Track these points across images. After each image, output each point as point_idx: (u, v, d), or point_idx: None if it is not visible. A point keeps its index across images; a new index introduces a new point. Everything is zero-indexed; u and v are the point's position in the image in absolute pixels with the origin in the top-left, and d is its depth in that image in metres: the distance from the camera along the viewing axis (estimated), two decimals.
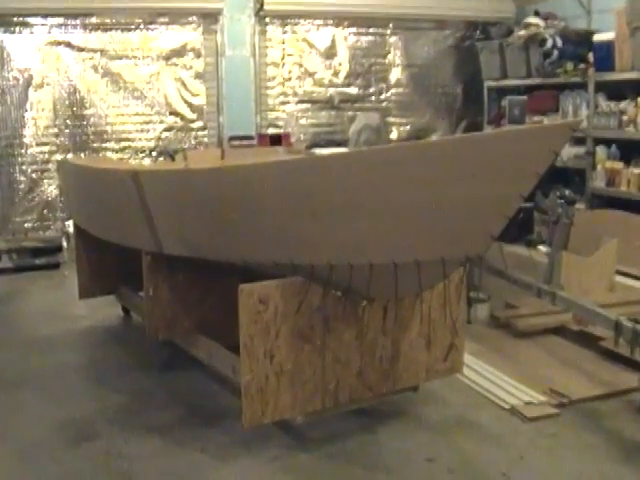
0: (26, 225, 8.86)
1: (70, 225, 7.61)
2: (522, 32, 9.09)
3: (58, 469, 3.93)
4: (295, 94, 9.92)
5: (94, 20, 8.82)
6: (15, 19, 8.49)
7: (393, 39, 10.30)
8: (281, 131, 9.70)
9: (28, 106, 8.69)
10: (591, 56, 8.25)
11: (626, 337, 4.30)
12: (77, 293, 6.27)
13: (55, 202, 8.90)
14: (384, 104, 10.37)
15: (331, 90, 10.04)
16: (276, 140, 9.14)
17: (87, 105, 8.94)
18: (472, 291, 5.63)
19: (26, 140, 8.75)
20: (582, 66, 8.33)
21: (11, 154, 8.72)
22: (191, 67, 9.35)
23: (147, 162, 9.08)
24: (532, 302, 5.65)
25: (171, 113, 9.33)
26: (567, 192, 5.85)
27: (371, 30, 10.17)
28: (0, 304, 7.11)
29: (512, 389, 4.67)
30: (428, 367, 4.29)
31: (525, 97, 9.47)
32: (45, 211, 8.93)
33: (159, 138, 9.31)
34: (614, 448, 4.00)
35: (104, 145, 9.09)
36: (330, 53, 9.98)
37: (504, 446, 4.07)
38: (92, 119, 8.99)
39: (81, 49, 8.82)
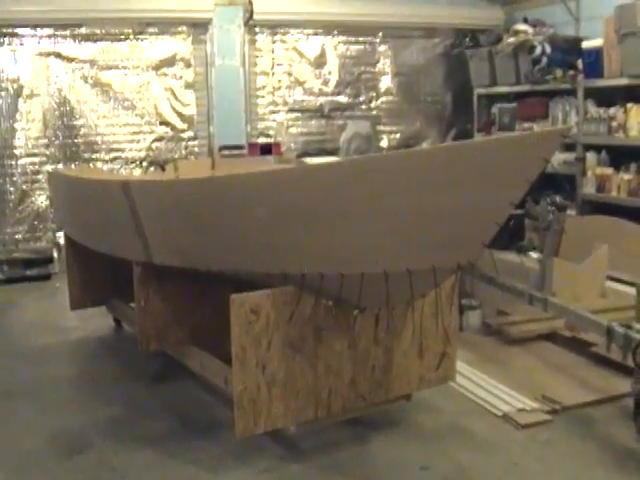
0: (17, 236, 8.81)
1: (61, 236, 7.58)
2: (511, 39, 9.12)
3: None
4: (285, 103, 9.91)
5: (84, 31, 8.81)
6: (4, 30, 8.47)
7: (383, 47, 10.30)
8: (271, 140, 9.69)
9: (18, 117, 8.67)
10: (580, 63, 8.28)
11: (618, 343, 4.30)
12: (68, 304, 6.25)
13: (46, 213, 8.86)
14: (374, 112, 10.37)
15: (321, 99, 10.04)
16: (266, 149, 9.13)
17: (77, 116, 8.93)
18: (464, 299, 5.64)
19: (16, 151, 8.72)
20: (571, 73, 8.36)
21: (1, 165, 8.69)
22: (181, 77, 9.34)
23: (137, 172, 9.05)
24: (524, 309, 5.65)
25: (161, 123, 9.32)
26: (558, 198, 5.86)
27: (360, 39, 10.18)
28: None
29: (505, 396, 4.68)
30: (421, 376, 4.29)
31: (515, 104, 9.50)
32: (36, 222, 8.88)
33: (149, 148, 9.29)
34: (607, 454, 4.01)
35: (94, 156, 9.06)
36: (320, 62, 9.98)
37: (497, 453, 4.07)
38: (82, 129, 8.97)
39: (71, 60, 8.81)
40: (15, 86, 8.62)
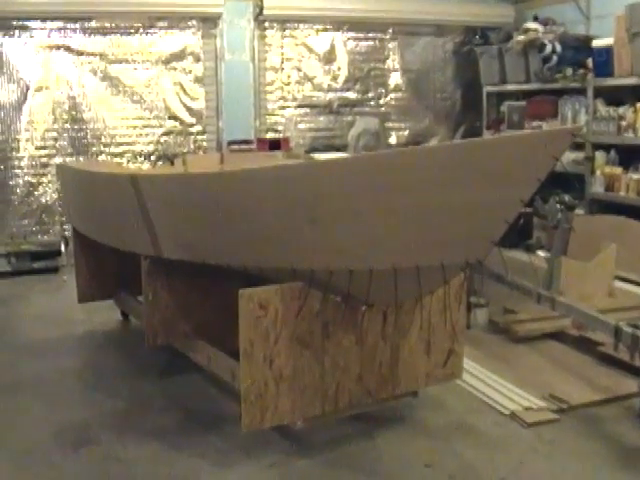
0: (25, 229, 8.84)
1: (69, 229, 7.60)
2: (521, 37, 9.09)
3: (56, 474, 3.92)
4: (294, 99, 9.93)
5: (93, 24, 8.83)
6: (14, 23, 8.49)
7: (392, 44, 10.30)
8: (280, 136, 9.71)
9: (27, 110, 8.69)
10: (590, 61, 8.25)
11: (625, 342, 4.30)
12: (76, 297, 6.26)
13: (54, 206, 8.89)
14: (383, 109, 10.37)
15: (330, 95, 10.05)
16: (275, 145, 9.14)
17: (86, 109, 8.94)
18: (472, 296, 5.63)
19: (25, 144, 8.74)
20: (581, 71, 8.34)
21: (10, 158, 8.71)
22: (190, 71, 9.36)
23: (146, 166, 9.07)
24: (531, 307, 5.64)
25: (170, 117, 9.33)
26: (566, 197, 5.85)
27: (370, 35, 10.18)
28: None
29: (511, 394, 4.67)
30: (428, 372, 4.28)
31: (524, 102, 9.48)
32: (44, 215, 8.91)
33: (158, 142, 9.31)
34: (614, 454, 4.00)
35: (103, 149, 9.09)
36: (329, 58, 9.99)
37: (504, 451, 4.06)
38: (91, 123, 8.99)
39: (80, 53, 8.83)
40: (25, 79, 8.63)
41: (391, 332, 4.04)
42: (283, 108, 9.91)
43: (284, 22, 9.68)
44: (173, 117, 9.35)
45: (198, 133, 9.51)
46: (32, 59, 8.63)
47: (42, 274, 8.29)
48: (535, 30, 8.97)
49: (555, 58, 8.62)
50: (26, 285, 7.91)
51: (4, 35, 8.49)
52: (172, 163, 6.57)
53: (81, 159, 8.88)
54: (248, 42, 9.47)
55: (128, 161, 9.16)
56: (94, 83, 8.94)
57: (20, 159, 8.76)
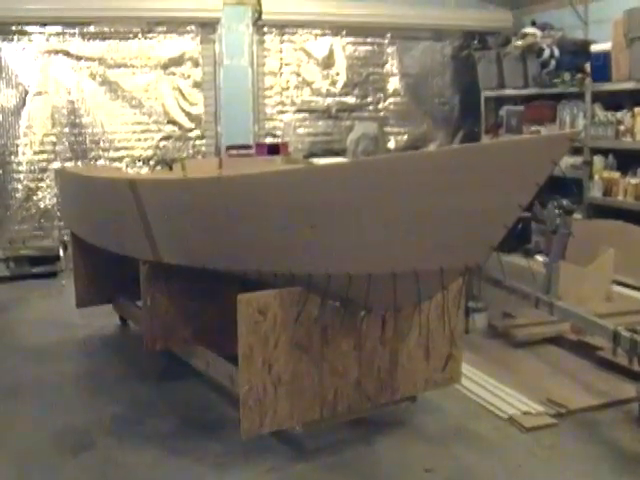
0: (23, 234, 8.83)
1: (67, 234, 7.60)
2: (519, 42, 9.11)
3: (55, 479, 3.92)
4: (293, 103, 9.93)
5: (92, 29, 8.84)
6: (13, 27, 8.50)
7: (391, 49, 10.32)
8: (279, 140, 9.71)
9: (26, 114, 8.69)
10: (588, 66, 8.27)
11: (624, 347, 4.30)
12: (74, 302, 6.26)
13: (52, 211, 8.88)
14: (382, 113, 10.38)
15: (329, 99, 10.06)
16: (274, 149, 9.12)
17: (85, 113, 8.95)
18: (470, 301, 5.63)
19: (23, 148, 8.75)
20: (579, 76, 8.35)
21: (8, 162, 8.71)
22: (189, 76, 9.36)
23: (145, 171, 9.07)
24: (530, 312, 5.64)
25: (169, 122, 9.34)
26: (565, 202, 5.87)
27: (369, 40, 10.20)
28: None
29: (510, 399, 4.67)
30: (426, 377, 4.29)
31: (522, 107, 9.50)
32: (42, 220, 8.91)
33: (157, 147, 9.31)
34: (612, 458, 4.00)
35: (102, 154, 9.09)
36: (328, 62, 9.99)
37: (502, 456, 4.06)
38: (90, 127, 8.99)
39: (79, 58, 8.84)
40: (23, 84, 8.64)
41: (390, 337, 4.05)
42: (282, 113, 9.92)
43: (283, 27, 9.69)
44: (172, 122, 9.35)
45: (197, 138, 9.51)
46: (31, 64, 8.64)
47: (41, 279, 8.29)
48: (533, 35, 8.99)
49: (553, 63, 8.63)
50: (25, 290, 7.91)
51: (3, 40, 8.50)
52: (171, 168, 6.57)
53: (80, 164, 8.88)
54: (247, 47, 9.48)
55: (127, 166, 9.16)
56: (93, 88, 8.95)
57: (19, 164, 8.76)
